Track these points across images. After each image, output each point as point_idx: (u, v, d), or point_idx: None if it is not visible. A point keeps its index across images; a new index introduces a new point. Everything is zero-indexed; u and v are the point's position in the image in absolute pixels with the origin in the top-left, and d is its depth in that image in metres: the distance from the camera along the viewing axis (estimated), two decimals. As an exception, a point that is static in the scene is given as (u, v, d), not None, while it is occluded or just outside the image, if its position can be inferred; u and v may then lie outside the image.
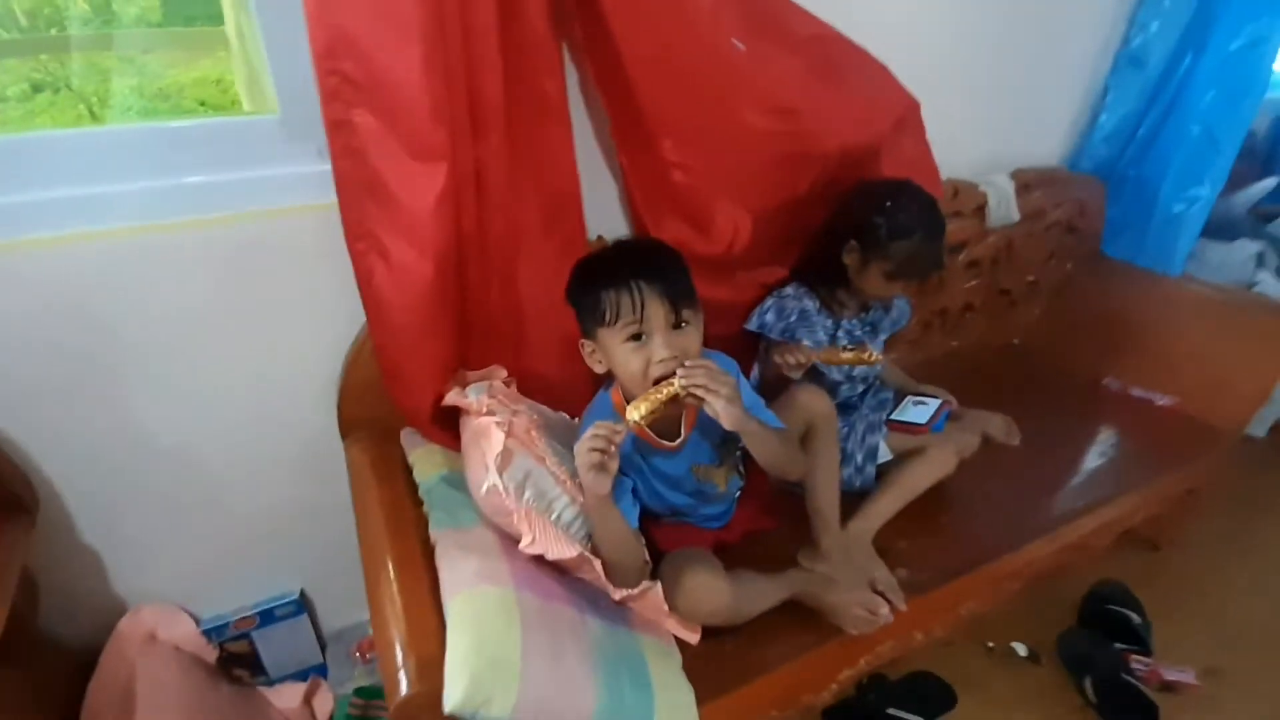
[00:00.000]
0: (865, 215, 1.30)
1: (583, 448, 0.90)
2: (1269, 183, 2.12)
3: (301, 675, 1.41)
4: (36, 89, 1.23)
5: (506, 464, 0.95)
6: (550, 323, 1.21)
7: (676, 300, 0.97)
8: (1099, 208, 1.95)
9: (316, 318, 1.15)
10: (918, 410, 1.40)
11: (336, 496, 1.19)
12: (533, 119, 1.05)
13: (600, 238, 1.30)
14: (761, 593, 1.09)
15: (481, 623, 0.82)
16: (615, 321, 0.96)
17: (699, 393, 0.91)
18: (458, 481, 1.08)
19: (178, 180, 1.03)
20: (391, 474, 1.12)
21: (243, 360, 1.14)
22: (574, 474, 1.03)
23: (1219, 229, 1.93)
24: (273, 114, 1.06)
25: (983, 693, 1.50)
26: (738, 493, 1.25)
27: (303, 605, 1.38)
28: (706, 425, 1.08)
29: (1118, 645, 1.59)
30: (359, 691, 1.36)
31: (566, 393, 1.26)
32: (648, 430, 1.05)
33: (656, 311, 0.95)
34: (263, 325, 1.13)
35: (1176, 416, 1.74)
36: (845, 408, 1.45)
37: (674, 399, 0.92)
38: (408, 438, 1.20)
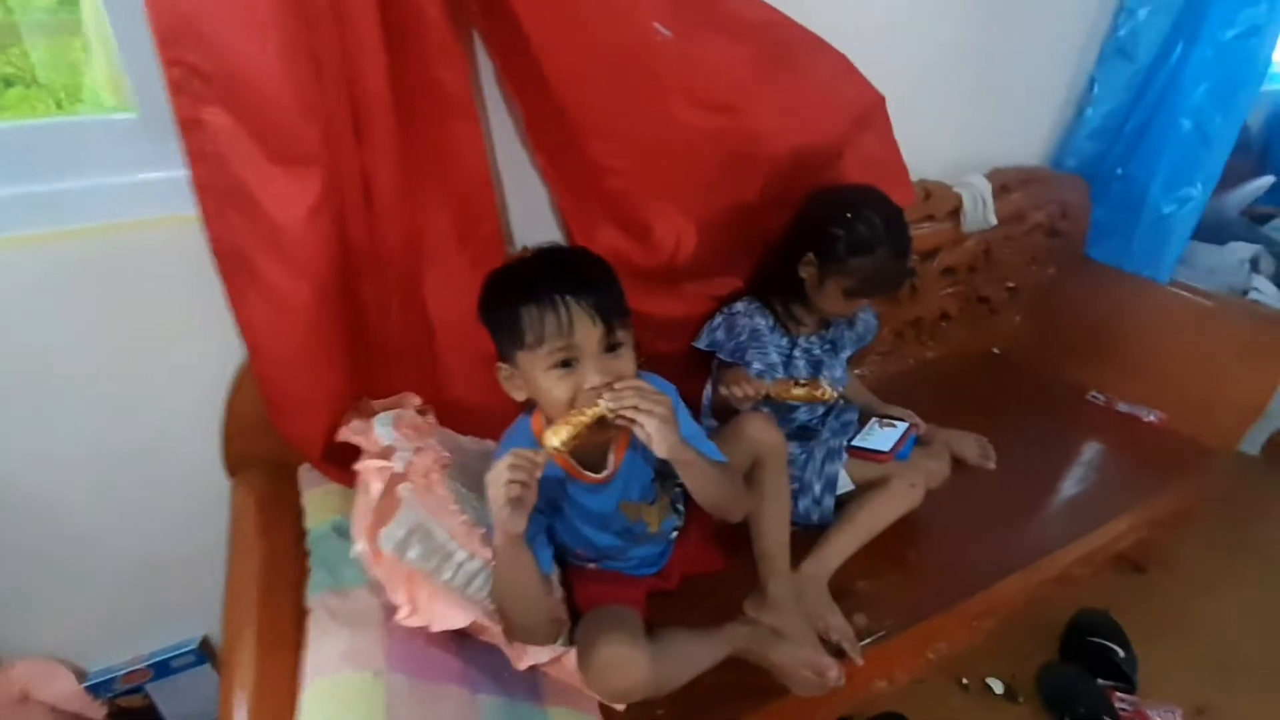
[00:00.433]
0: (822, 227, 1.17)
1: (497, 479, 0.76)
2: (1264, 181, 2.00)
3: (207, 729, 1.28)
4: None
5: (386, 518, 0.82)
6: (469, 344, 1.08)
7: (609, 318, 0.83)
8: (1083, 209, 1.83)
9: (196, 343, 1.02)
10: (882, 435, 1.28)
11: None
12: (431, 116, 0.92)
13: (525, 248, 1.16)
14: (692, 657, 0.96)
15: (335, 720, 0.69)
16: (539, 345, 0.82)
17: (629, 414, 0.79)
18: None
19: (24, 188, 0.89)
20: (277, 521, 0.99)
21: (111, 392, 1.00)
22: (480, 521, 0.91)
23: (1211, 231, 1.80)
24: (131, 112, 0.92)
25: (956, 736, 1.39)
26: (674, 533, 1.12)
27: (204, 654, 1.25)
28: (639, 455, 0.96)
29: (1101, 681, 1.48)
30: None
31: (493, 421, 1.10)
32: (570, 459, 0.92)
33: (587, 333, 0.82)
34: (133, 352, 1.00)
35: (1165, 433, 1.62)
36: (805, 432, 1.33)
37: (600, 422, 0.80)
38: (306, 475, 1.07)
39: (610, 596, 1.00)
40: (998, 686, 1.49)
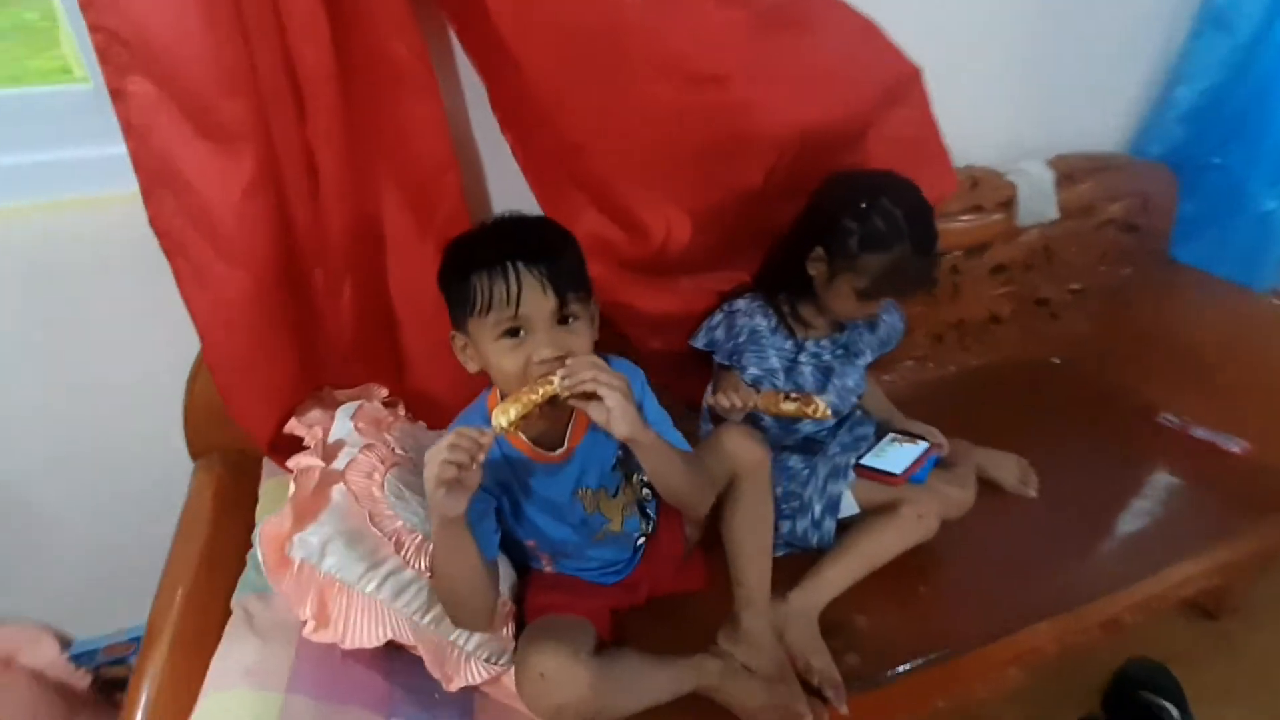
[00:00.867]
0: (834, 218, 1.04)
1: (434, 458, 0.70)
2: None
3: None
4: None
5: (306, 521, 0.76)
6: (435, 335, 1.01)
7: (562, 289, 0.79)
8: (1168, 203, 1.59)
9: (157, 324, 0.99)
10: (897, 454, 1.14)
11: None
12: (384, 91, 0.85)
13: (484, 222, 1.08)
14: (645, 685, 0.87)
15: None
16: (487, 312, 0.78)
17: (587, 388, 0.74)
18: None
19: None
20: (230, 511, 0.96)
21: (67, 377, 0.99)
22: (420, 527, 0.84)
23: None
24: (86, 83, 0.89)
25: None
26: (640, 538, 1.03)
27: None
28: (600, 436, 0.88)
29: (1150, 745, 1.30)
30: None
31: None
32: (522, 437, 0.85)
33: (538, 303, 0.78)
34: (89, 335, 0.98)
35: (1250, 466, 1.39)
36: (811, 445, 1.20)
37: (553, 400, 0.75)
38: (270, 464, 1.03)
39: (563, 607, 0.92)
40: (1021, 744, 1.33)
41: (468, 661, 0.84)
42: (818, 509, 1.11)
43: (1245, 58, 1.44)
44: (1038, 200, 1.40)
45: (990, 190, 1.40)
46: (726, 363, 1.15)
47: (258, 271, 0.83)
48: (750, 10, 0.91)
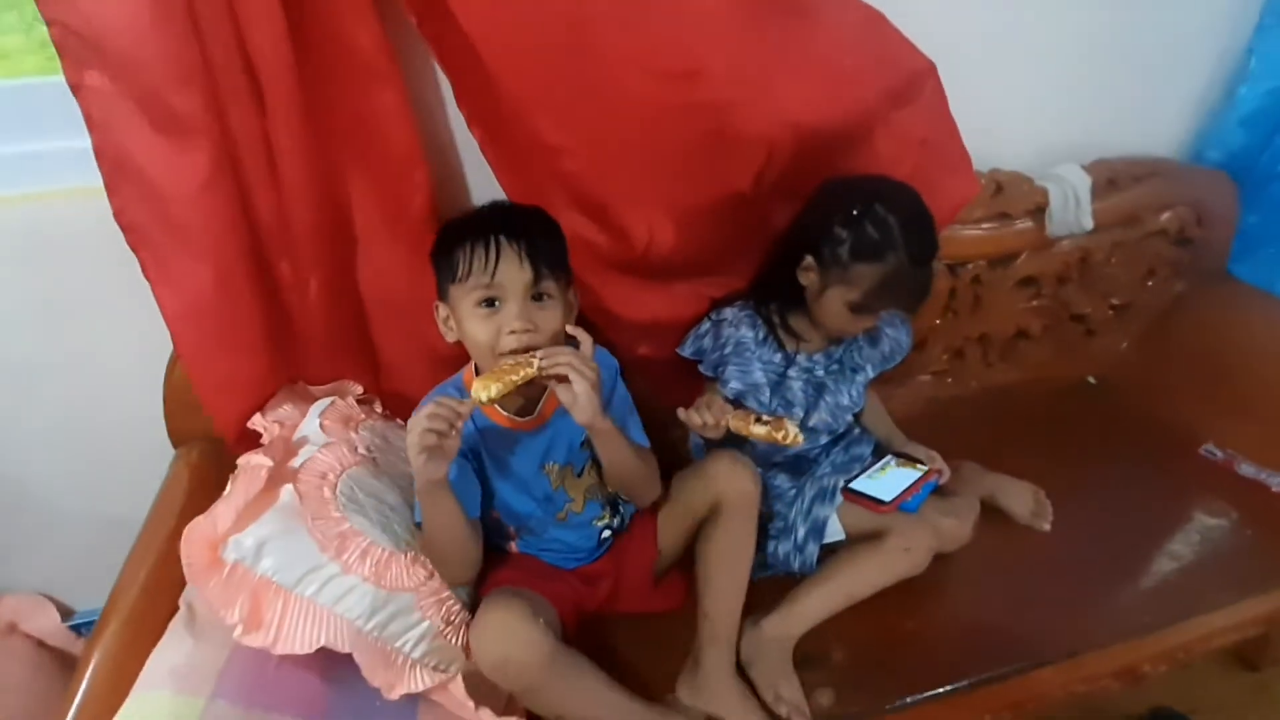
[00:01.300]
0: (826, 225, 0.98)
1: (415, 425, 0.75)
2: None
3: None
4: None
5: (245, 522, 0.76)
6: (408, 332, 1.01)
7: (538, 264, 0.84)
8: (1227, 214, 1.45)
9: (137, 312, 1.00)
10: (889, 479, 1.06)
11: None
12: (346, 82, 0.83)
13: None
14: (597, 702, 0.84)
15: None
16: (466, 279, 0.83)
17: (561, 371, 0.79)
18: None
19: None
20: (198, 505, 0.94)
21: (53, 361, 1.02)
22: (369, 530, 0.83)
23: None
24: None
25: None
26: (605, 529, 1.01)
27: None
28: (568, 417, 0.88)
29: (1168, 805, 1.20)
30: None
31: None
32: (498, 409, 0.90)
33: (513, 274, 0.83)
34: (73, 321, 1.00)
35: (1301, 508, 1.26)
36: (799, 462, 1.14)
37: (531, 381, 0.79)
38: (249, 455, 1.04)
39: (523, 583, 0.91)
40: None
41: (413, 669, 0.82)
42: (801, 532, 1.05)
43: (1319, 55, 1.29)
44: (1071, 209, 1.29)
45: (1018, 196, 1.30)
46: (711, 374, 1.10)
47: (221, 265, 0.83)
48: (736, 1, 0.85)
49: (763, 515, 1.10)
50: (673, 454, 1.20)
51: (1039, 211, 1.32)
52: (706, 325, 1.11)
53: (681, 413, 0.95)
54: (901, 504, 1.02)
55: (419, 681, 0.81)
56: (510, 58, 0.82)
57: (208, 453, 1.04)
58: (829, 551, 1.06)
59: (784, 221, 1.08)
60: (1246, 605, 1.15)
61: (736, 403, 1.09)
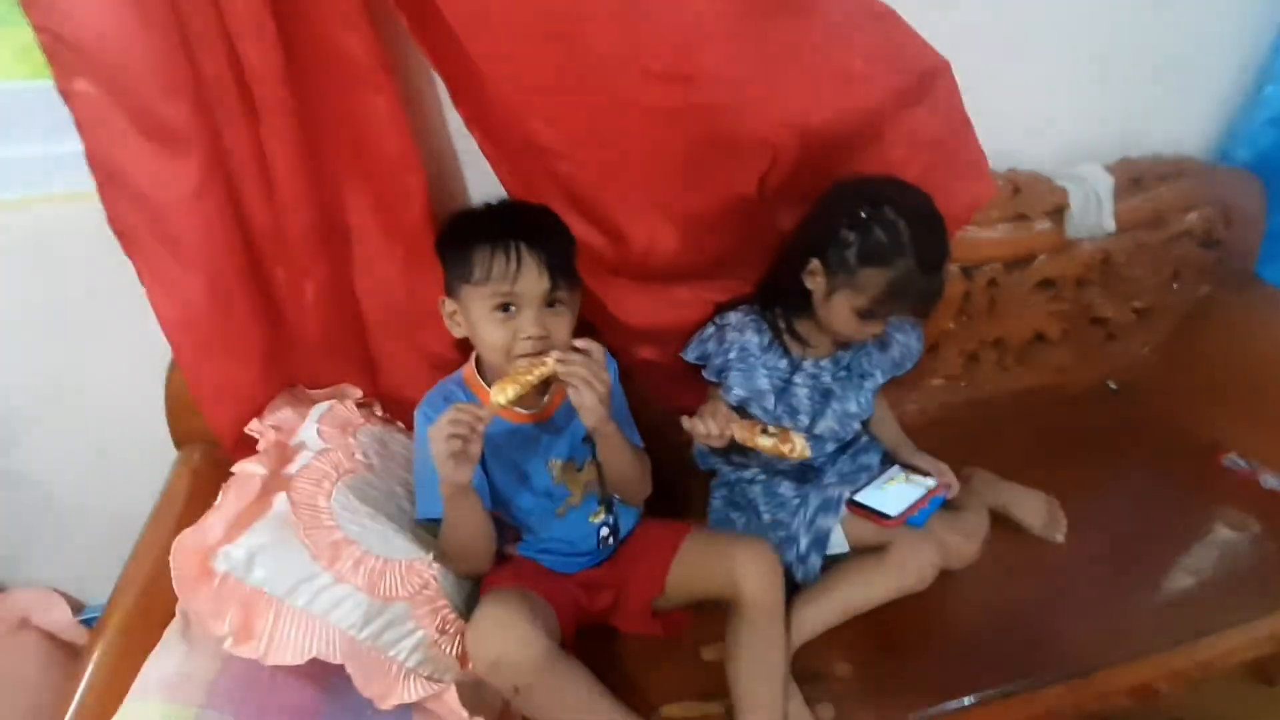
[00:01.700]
0: (832, 228, 0.95)
1: (439, 433, 0.78)
2: None
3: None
4: None
5: (237, 532, 0.75)
6: (409, 336, 1.00)
7: (556, 274, 0.87)
8: (1255, 215, 1.40)
9: (146, 313, 1.00)
10: (896, 492, 1.04)
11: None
12: (338, 88, 0.82)
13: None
14: (590, 709, 0.83)
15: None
16: (484, 282, 0.85)
17: (575, 381, 0.82)
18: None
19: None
20: (197, 509, 0.93)
21: (62, 360, 1.02)
22: (362, 538, 0.83)
23: None
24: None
25: None
26: (603, 527, 1.00)
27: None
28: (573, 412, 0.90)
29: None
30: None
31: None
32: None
33: (532, 281, 0.85)
34: (81, 321, 1.01)
35: (1327, 524, 1.22)
36: (804, 470, 1.12)
37: (546, 382, 0.84)
38: (251, 458, 1.04)
39: (525, 584, 0.91)
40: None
41: (407, 678, 0.81)
42: (804, 543, 1.03)
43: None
44: (1091, 210, 1.24)
45: (1036, 197, 1.26)
46: (714, 379, 1.08)
47: (215, 272, 0.82)
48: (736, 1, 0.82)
49: (765, 524, 1.09)
50: (675, 457, 1.19)
51: (1058, 213, 1.27)
52: (711, 329, 1.09)
53: (686, 421, 0.94)
54: (908, 519, 0.99)
55: (412, 691, 0.80)
56: (502, 61, 0.80)
57: (209, 455, 1.04)
58: (832, 562, 1.04)
59: (791, 224, 1.06)
60: (1266, 623, 1.11)
61: (741, 409, 1.07)
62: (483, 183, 1.01)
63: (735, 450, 1.04)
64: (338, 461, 0.88)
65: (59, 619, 1.25)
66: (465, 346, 0.97)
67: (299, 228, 0.86)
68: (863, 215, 0.92)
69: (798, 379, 1.07)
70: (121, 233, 0.81)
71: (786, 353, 1.06)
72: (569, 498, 0.97)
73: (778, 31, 0.85)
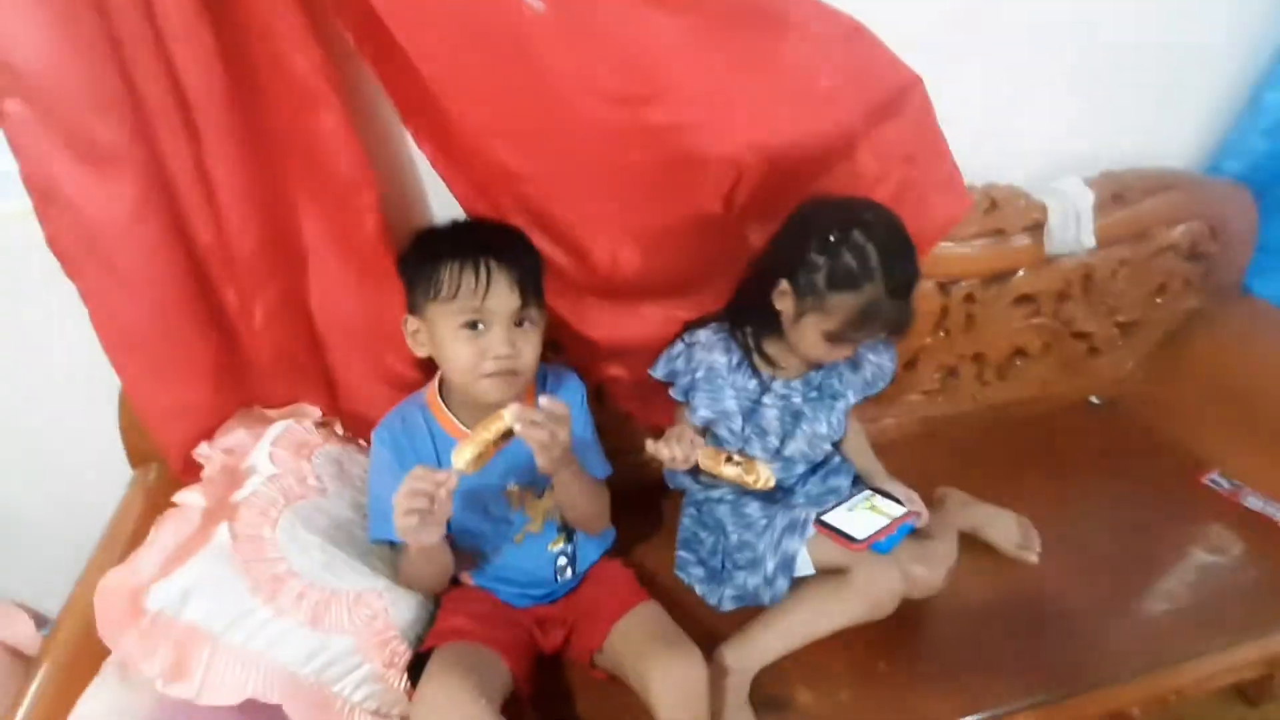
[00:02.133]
0: (801, 250, 0.93)
1: (400, 505, 0.76)
2: None
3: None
4: None
5: (173, 566, 0.73)
6: (367, 354, 0.98)
7: (526, 292, 0.86)
8: (1246, 228, 1.37)
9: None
10: (865, 515, 1.01)
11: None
12: (285, 105, 0.79)
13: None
14: None
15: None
16: (452, 299, 0.83)
17: (532, 444, 0.80)
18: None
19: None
20: (146, 534, 0.94)
21: (16, 377, 1.01)
22: (307, 571, 0.81)
23: None
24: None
25: None
26: (560, 557, 0.98)
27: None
28: None
29: None
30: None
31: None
32: (457, 423, 0.92)
33: (502, 300, 0.84)
34: (35, 337, 0.98)
35: (1310, 547, 1.19)
36: (773, 491, 1.08)
37: (507, 436, 0.80)
38: (204, 479, 1.02)
39: (475, 634, 0.87)
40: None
41: (352, 713, 0.80)
42: (770, 565, 1.01)
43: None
44: (1070, 226, 1.22)
45: (1014, 213, 1.23)
46: (682, 398, 1.06)
47: (157, 294, 0.81)
48: (699, 16, 0.80)
49: (732, 545, 1.07)
50: (645, 474, 1.17)
51: (1037, 228, 1.25)
52: (680, 347, 1.07)
53: (650, 445, 0.92)
54: (874, 544, 0.97)
55: (356, 734, 0.79)
56: (454, 82, 0.77)
57: (165, 474, 1.03)
58: (800, 583, 1.02)
59: (762, 241, 1.03)
60: (1246, 649, 1.09)
61: (708, 431, 1.05)
62: (448, 200, 0.98)
63: (702, 470, 1.02)
64: (288, 487, 0.86)
65: (22, 633, 1.24)
66: (428, 366, 0.95)
67: (247, 248, 0.83)
68: (832, 239, 0.89)
69: (767, 400, 1.04)
70: (61, 255, 0.79)
71: (756, 373, 1.04)
72: (528, 524, 0.96)
73: (740, 54, 0.82)
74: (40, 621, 1.26)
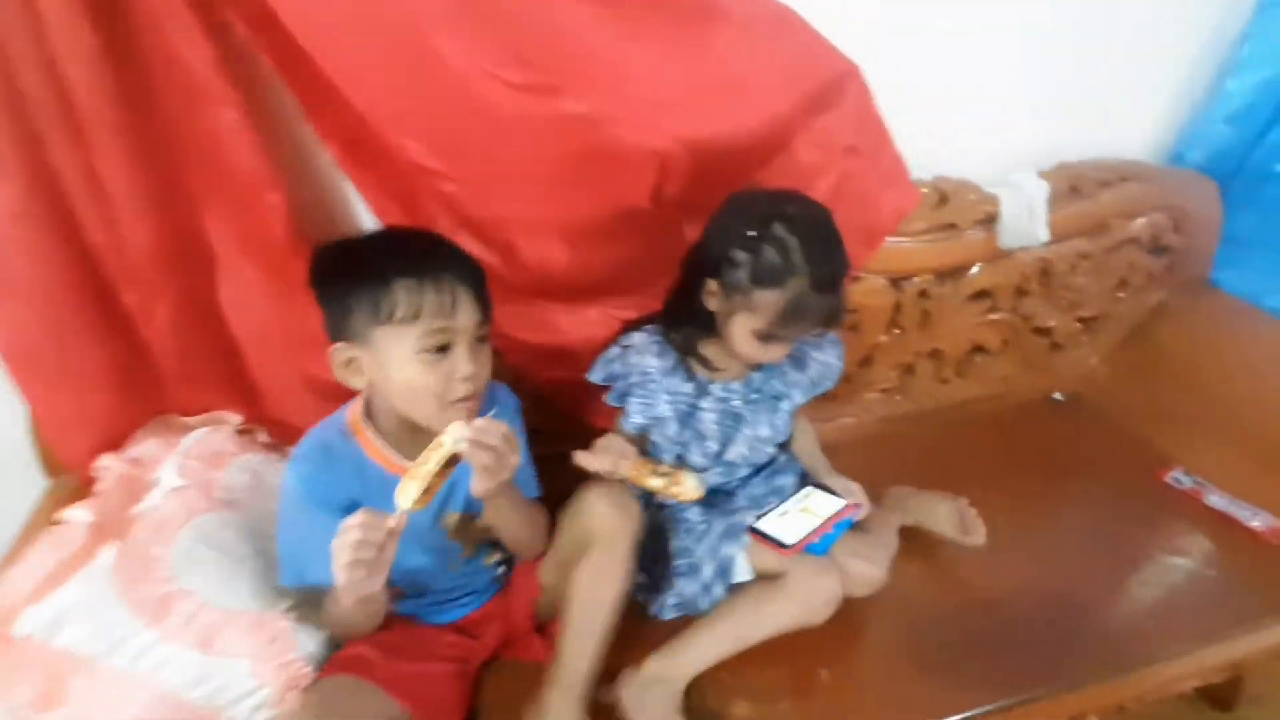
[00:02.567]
0: (725, 247, 0.89)
1: (342, 555, 0.68)
2: None
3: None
4: None
5: (46, 590, 0.70)
6: (287, 361, 0.94)
7: (484, 307, 0.79)
8: (1210, 219, 1.33)
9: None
10: (799, 517, 0.97)
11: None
12: (177, 104, 0.76)
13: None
14: None
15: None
16: (413, 321, 0.74)
17: (477, 468, 0.73)
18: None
19: None
20: None
21: None
22: (204, 589, 0.77)
23: None
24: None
25: None
26: (501, 566, 0.95)
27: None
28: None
29: None
30: None
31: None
32: (388, 453, 0.83)
33: (469, 317, 0.77)
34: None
35: (1274, 547, 1.15)
36: (714, 494, 1.06)
37: (452, 463, 0.73)
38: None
39: (377, 670, 0.81)
40: None
41: (245, 736, 0.76)
42: (708, 572, 0.97)
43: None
44: (1023, 219, 1.18)
45: (964, 206, 1.19)
46: (618, 403, 1.02)
47: (47, 297, 0.77)
48: (610, 4, 0.76)
49: (672, 552, 1.03)
50: (587, 477, 1.13)
51: (990, 222, 1.21)
52: (616, 350, 1.03)
53: (578, 457, 0.88)
54: (808, 545, 0.93)
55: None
56: (349, 70, 0.74)
57: (82, 487, 0.99)
58: (737, 589, 0.98)
59: (695, 237, 1.00)
60: (1208, 653, 1.05)
61: (642, 439, 1.01)
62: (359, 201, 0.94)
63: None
64: (191, 501, 0.83)
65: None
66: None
67: (143, 248, 0.80)
68: (752, 234, 0.86)
69: (705, 404, 1.01)
70: (-57, 263, 0.75)
71: (692, 376, 1.00)
72: (462, 552, 0.91)
73: (664, 39, 0.79)
74: None
